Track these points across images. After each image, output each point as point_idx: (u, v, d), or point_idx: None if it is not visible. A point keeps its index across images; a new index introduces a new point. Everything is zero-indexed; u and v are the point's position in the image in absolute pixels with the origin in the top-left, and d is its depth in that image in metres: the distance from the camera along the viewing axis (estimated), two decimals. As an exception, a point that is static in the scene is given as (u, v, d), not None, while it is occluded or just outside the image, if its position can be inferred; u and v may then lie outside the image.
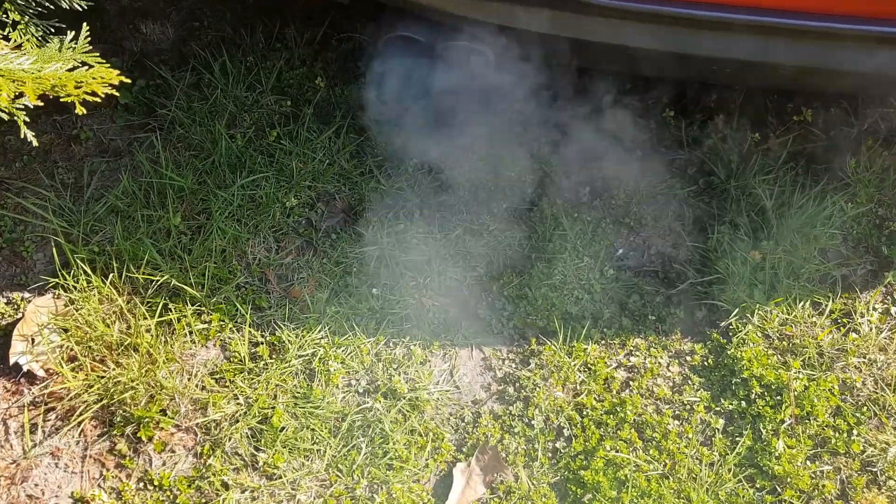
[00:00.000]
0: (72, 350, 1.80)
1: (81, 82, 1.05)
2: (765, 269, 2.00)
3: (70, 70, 1.11)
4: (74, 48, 1.18)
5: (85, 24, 1.23)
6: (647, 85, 2.37)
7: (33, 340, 1.83)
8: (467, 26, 1.71)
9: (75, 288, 1.87)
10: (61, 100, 1.31)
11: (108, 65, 1.21)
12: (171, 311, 1.88)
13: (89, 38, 1.23)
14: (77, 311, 1.86)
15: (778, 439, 1.75)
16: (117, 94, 1.22)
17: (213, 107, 2.28)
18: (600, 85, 2.31)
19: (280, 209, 2.11)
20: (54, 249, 1.93)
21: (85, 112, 1.31)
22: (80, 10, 1.48)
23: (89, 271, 1.87)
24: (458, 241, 2.12)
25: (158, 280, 1.89)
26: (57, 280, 1.89)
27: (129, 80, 1.11)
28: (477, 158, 2.27)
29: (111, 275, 1.88)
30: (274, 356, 1.87)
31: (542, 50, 1.73)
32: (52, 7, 1.54)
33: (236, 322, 1.92)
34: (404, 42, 1.88)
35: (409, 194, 2.18)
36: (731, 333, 1.93)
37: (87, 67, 1.17)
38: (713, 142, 2.26)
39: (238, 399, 1.80)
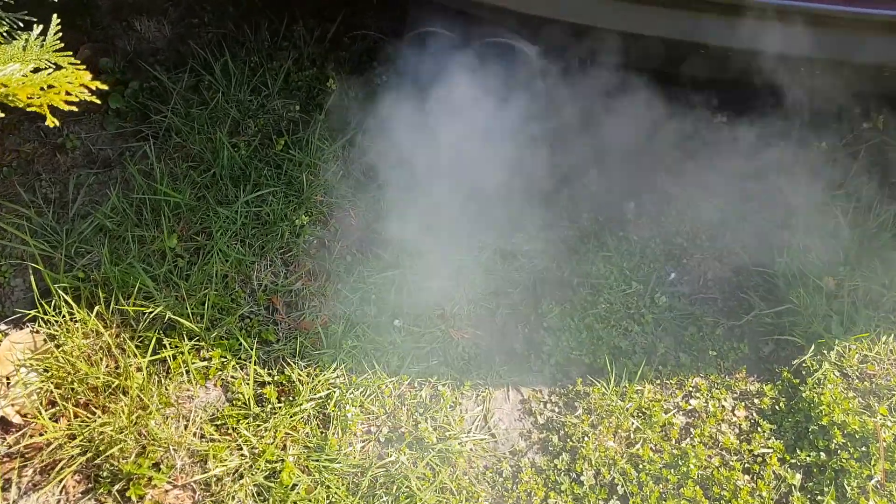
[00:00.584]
0: (52, 393, 1.57)
1: (48, 87, 0.82)
2: (841, 297, 1.76)
3: (34, 72, 0.87)
4: (43, 45, 0.95)
5: (56, 17, 1.00)
6: (696, 83, 2.12)
7: (8, 381, 1.60)
8: (515, 22, 1.47)
9: (56, 321, 1.64)
10: (28, 108, 1.08)
11: (83, 66, 0.98)
12: (165, 348, 1.64)
13: (60, 34, 1.00)
14: (58, 347, 1.62)
15: (867, 500, 1.51)
16: (96, 100, 0.99)
17: (214, 112, 2.05)
18: (641, 83, 2.07)
19: (289, 228, 1.88)
20: (32, 277, 1.69)
21: (57, 124, 1.07)
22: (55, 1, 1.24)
23: (72, 303, 1.64)
24: (490, 264, 1.88)
25: (151, 312, 1.65)
26: (36, 311, 1.66)
27: (105, 87, 0.87)
28: (508, 168, 2.03)
29: (97, 306, 1.65)
30: (283, 398, 1.64)
31: (605, 49, 1.49)
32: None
33: (240, 359, 1.69)
34: (431, 39, 1.64)
35: (433, 208, 1.94)
36: (804, 372, 1.69)
37: (53, 70, 0.94)
38: (775, 150, 2.01)
39: (242, 450, 1.56)
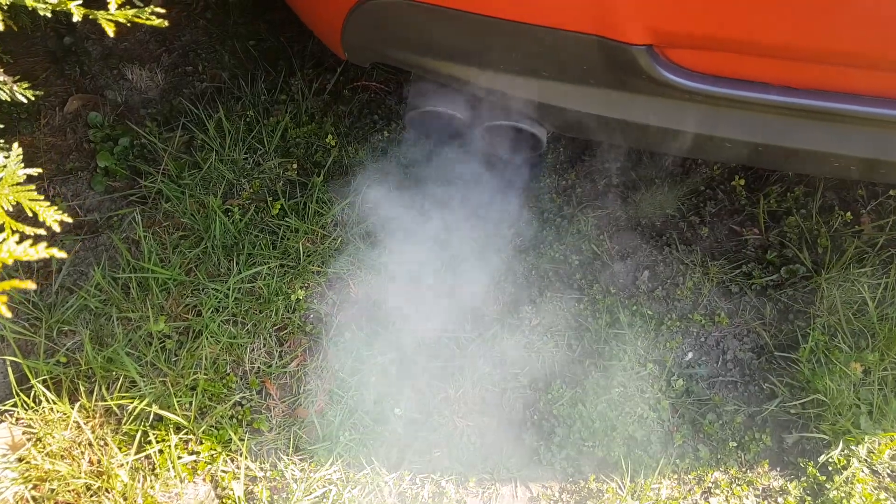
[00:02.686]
0: (28, 501, 1.47)
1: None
2: (869, 385, 1.66)
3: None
4: (1, 179, 0.83)
5: (17, 145, 0.89)
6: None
7: (-17, 479, 1.50)
8: (528, 108, 1.37)
9: (36, 410, 1.54)
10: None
11: (50, 205, 0.87)
12: (151, 443, 1.54)
13: (21, 164, 0.89)
14: (39, 440, 1.52)
15: None
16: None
17: (207, 174, 1.95)
18: (655, 163, 1.98)
19: (284, 303, 1.78)
20: (9, 366, 1.59)
21: None
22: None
23: (52, 396, 1.54)
24: (496, 342, 1.78)
25: (137, 406, 1.55)
26: (14, 401, 1.56)
27: (62, 255, 0.77)
28: (513, 239, 1.93)
29: (79, 399, 1.55)
30: (275, 497, 1.54)
31: (608, 133, 1.39)
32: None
33: (230, 451, 1.58)
34: (434, 119, 1.54)
35: (436, 280, 1.84)
36: (831, 468, 1.59)
37: None
38: (794, 219, 1.91)
39: (232, 557, 1.46)
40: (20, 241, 0.70)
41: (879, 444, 1.59)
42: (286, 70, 2.19)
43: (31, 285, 0.60)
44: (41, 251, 0.69)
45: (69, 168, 2.03)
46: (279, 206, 1.92)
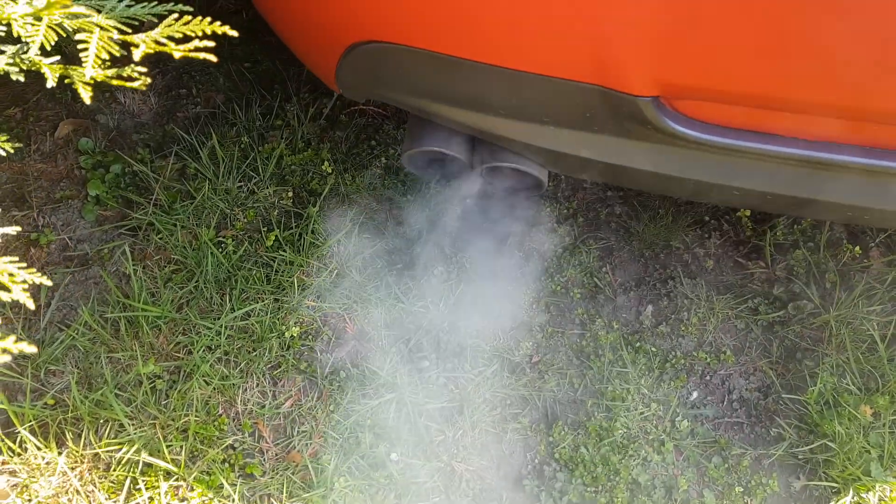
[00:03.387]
0: (12, 547, 1.43)
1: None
2: (880, 430, 1.61)
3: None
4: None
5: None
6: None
7: (-34, 528, 1.46)
8: (525, 151, 1.32)
9: (21, 456, 1.50)
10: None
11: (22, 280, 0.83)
12: (140, 491, 1.50)
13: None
14: (25, 488, 1.48)
15: None
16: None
17: (200, 204, 1.90)
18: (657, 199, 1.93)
19: (278, 340, 1.73)
20: (-6, 411, 1.55)
21: None
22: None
23: (39, 442, 1.49)
24: (496, 380, 1.73)
25: (126, 452, 1.51)
26: (-1, 446, 1.52)
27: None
28: (513, 269, 1.88)
29: (68, 446, 1.50)
30: (269, 546, 1.49)
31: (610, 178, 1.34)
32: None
33: (222, 496, 1.54)
34: (432, 158, 1.50)
35: (434, 315, 1.80)
36: (840, 516, 1.55)
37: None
38: (801, 253, 1.87)
39: None
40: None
41: (891, 491, 1.55)
42: (282, 94, 2.14)
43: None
44: (9, 344, 0.65)
45: (59, 196, 1.98)
46: (274, 237, 1.87)
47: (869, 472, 1.55)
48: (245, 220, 1.92)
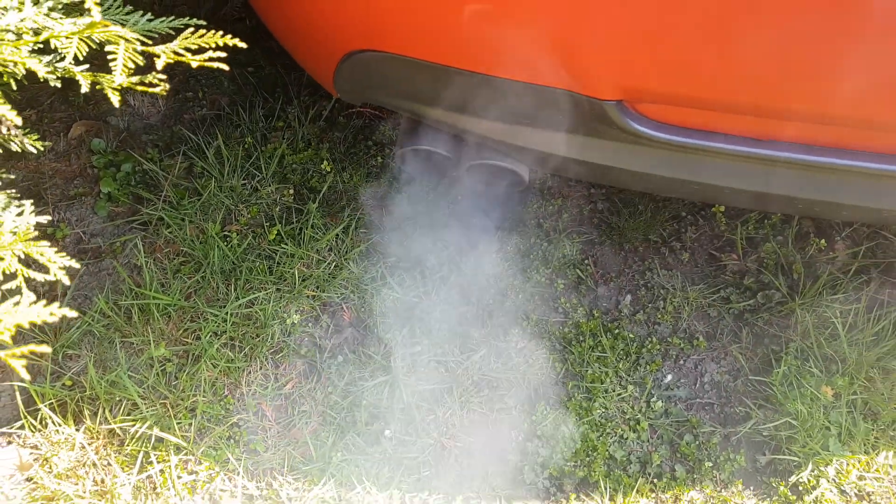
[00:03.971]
0: (35, 515, 1.54)
1: None
2: (839, 408, 1.73)
3: None
4: (16, 234, 0.90)
5: (30, 203, 0.97)
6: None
7: (-8, 498, 1.58)
8: (507, 150, 1.45)
9: (42, 432, 1.62)
10: None
11: (57, 250, 0.95)
12: (152, 463, 1.62)
13: (35, 218, 0.97)
14: (45, 461, 1.60)
15: None
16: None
17: (207, 201, 2.02)
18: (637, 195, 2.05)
19: (280, 327, 1.85)
20: (17, 389, 1.67)
21: None
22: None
23: (58, 419, 1.61)
24: (483, 364, 1.85)
25: (139, 427, 1.63)
26: (22, 423, 1.63)
27: (73, 314, 0.85)
28: (501, 261, 2.01)
29: (84, 422, 1.62)
30: (271, 515, 1.61)
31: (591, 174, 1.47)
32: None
33: (228, 470, 1.66)
34: (423, 155, 1.62)
35: (426, 304, 1.92)
36: (801, 489, 1.67)
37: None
38: (771, 246, 1.99)
39: (229, 573, 1.54)
40: (34, 302, 0.77)
41: (847, 465, 1.67)
42: (283, 97, 2.26)
43: (46, 349, 0.68)
44: (55, 310, 0.77)
45: (73, 193, 2.10)
46: (276, 232, 2.00)
47: (828, 448, 1.67)
48: (249, 215, 2.04)
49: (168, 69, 2.43)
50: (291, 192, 2.10)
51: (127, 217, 2.03)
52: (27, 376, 0.70)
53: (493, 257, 2.00)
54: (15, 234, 0.90)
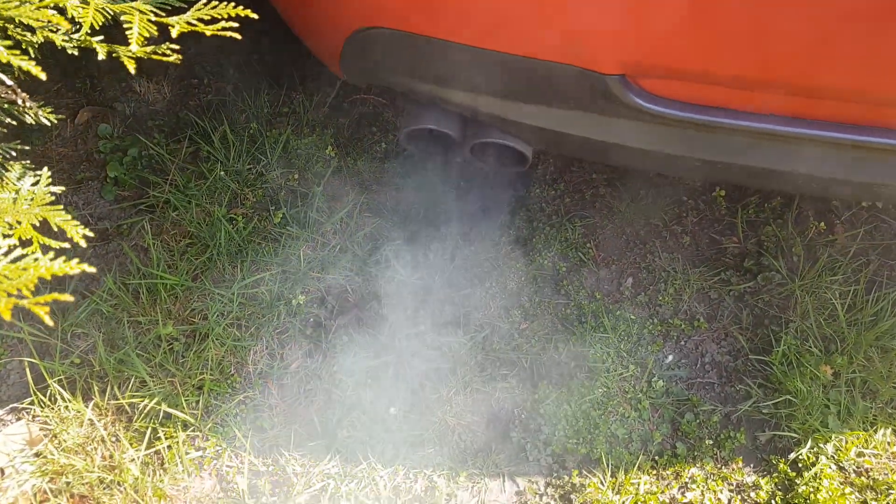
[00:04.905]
0: (45, 492, 1.57)
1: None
2: (838, 387, 1.75)
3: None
4: (33, 199, 0.93)
5: (46, 169, 1.00)
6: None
7: (3, 473, 1.60)
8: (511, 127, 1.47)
9: (51, 408, 1.64)
10: None
11: (72, 219, 0.97)
12: (160, 439, 1.64)
13: (51, 185, 0.99)
14: (55, 436, 1.62)
15: None
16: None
17: (213, 184, 2.05)
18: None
19: (285, 308, 1.87)
20: (27, 366, 1.69)
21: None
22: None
23: (67, 395, 1.64)
24: (486, 344, 1.87)
25: (147, 404, 1.65)
26: (32, 399, 1.66)
27: (92, 270, 0.87)
28: (504, 243, 2.03)
29: (93, 398, 1.65)
30: (277, 490, 1.63)
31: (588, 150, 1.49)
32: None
33: (234, 447, 1.68)
34: (428, 135, 1.64)
35: (430, 286, 1.94)
36: (801, 465, 1.69)
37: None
38: (771, 229, 2.01)
39: (236, 546, 1.56)
40: (54, 258, 0.80)
41: (846, 442, 1.69)
42: (288, 84, 2.28)
43: (69, 298, 0.70)
44: (75, 266, 0.79)
45: (80, 178, 2.12)
46: (281, 215, 2.02)
47: (827, 425, 1.69)
48: (254, 199, 2.06)
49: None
50: (297, 176, 2.13)
51: (133, 200, 2.05)
52: (50, 322, 0.72)
53: (496, 240, 2.03)
54: (32, 199, 0.93)
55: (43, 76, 0.83)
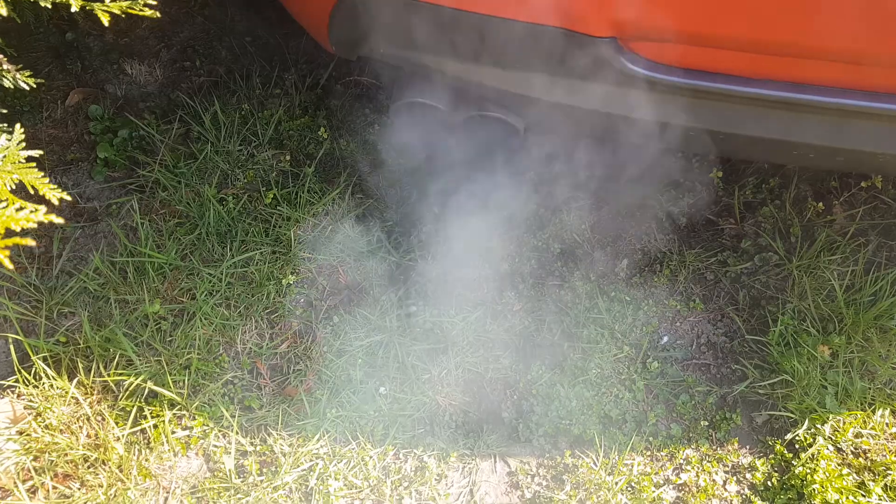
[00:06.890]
0: (28, 470, 1.54)
1: None
2: (836, 367, 1.72)
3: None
4: (6, 156, 0.90)
5: (19, 126, 0.97)
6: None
7: (-14, 451, 1.58)
8: (504, 99, 1.44)
9: (36, 386, 1.62)
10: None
11: (52, 184, 0.95)
12: (146, 418, 1.62)
13: (23, 144, 0.97)
14: (39, 414, 1.60)
15: (860, 586, 1.48)
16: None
17: (203, 165, 2.02)
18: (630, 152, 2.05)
19: (275, 287, 1.85)
20: (11, 344, 1.67)
21: None
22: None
23: (52, 373, 1.61)
24: (479, 325, 1.85)
25: (133, 382, 1.63)
26: (16, 378, 1.63)
27: (59, 220, 0.85)
28: (497, 224, 2.00)
29: (78, 376, 1.62)
30: (265, 470, 1.61)
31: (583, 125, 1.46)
32: None
33: (222, 427, 1.66)
34: (418, 109, 1.62)
35: (423, 267, 1.92)
36: (797, 446, 1.66)
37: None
38: (769, 210, 1.98)
39: (222, 525, 1.53)
40: (20, 210, 0.77)
41: (844, 422, 1.66)
42: (280, 65, 2.26)
43: (31, 242, 0.67)
44: (40, 216, 0.76)
45: (70, 158, 2.10)
46: (272, 196, 1.99)
47: (824, 405, 1.66)
48: (245, 179, 2.04)
49: (165, 39, 2.44)
50: (288, 157, 2.10)
51: (123, 180, 2.03)
52: (10, 265, 0.69)
53: (489, 223, 2.00)
54: (4, 157, 0.90)
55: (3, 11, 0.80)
